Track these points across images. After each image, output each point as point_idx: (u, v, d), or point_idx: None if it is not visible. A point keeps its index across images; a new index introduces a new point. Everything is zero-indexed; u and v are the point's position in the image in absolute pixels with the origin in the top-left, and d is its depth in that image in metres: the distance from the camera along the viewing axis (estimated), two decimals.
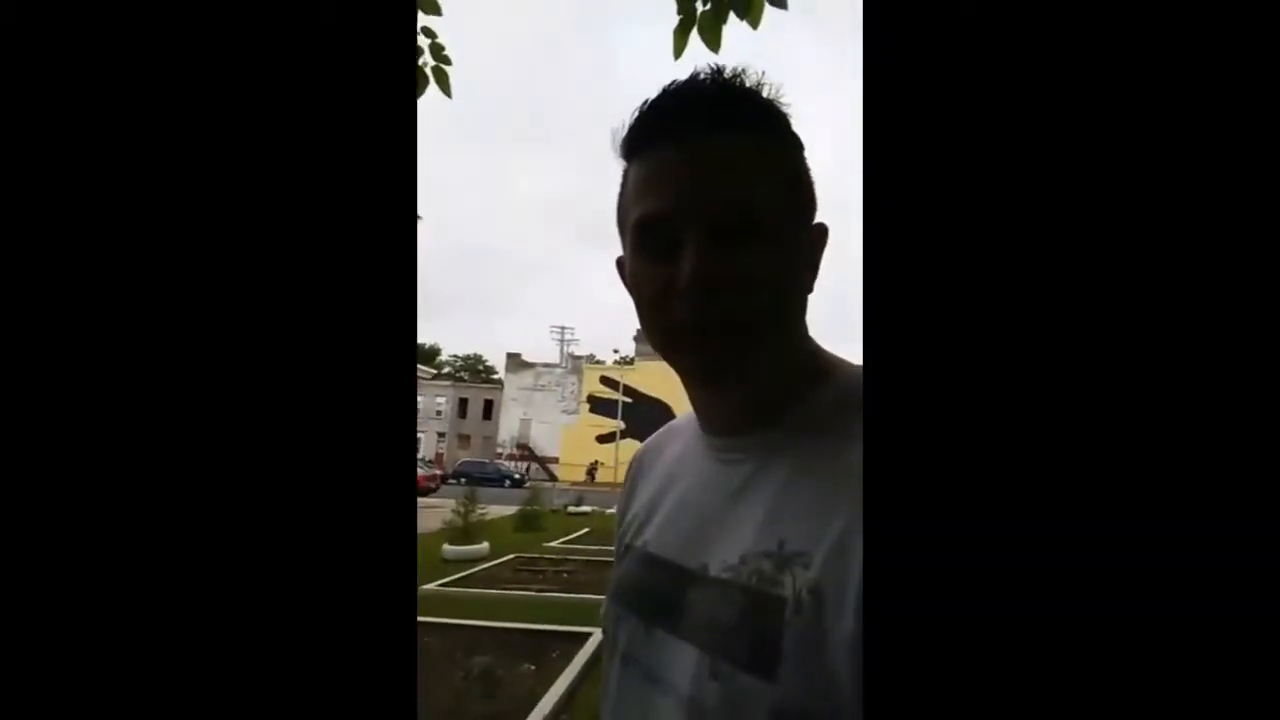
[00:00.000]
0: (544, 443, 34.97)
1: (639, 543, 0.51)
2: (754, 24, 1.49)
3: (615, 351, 40.00)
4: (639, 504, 0.55)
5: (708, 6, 1.52)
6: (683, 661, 0.42)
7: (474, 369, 54.51)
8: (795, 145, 0.44)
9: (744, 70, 0.43)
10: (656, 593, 0.46)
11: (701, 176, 0.41)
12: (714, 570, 0.42)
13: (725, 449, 0.47)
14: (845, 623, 0.35)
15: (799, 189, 0.44)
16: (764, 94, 0.43)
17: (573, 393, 35.82)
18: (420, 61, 1.87)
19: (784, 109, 0.44)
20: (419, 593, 5.51)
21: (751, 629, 0.38)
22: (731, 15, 1.51)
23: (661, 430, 0.59)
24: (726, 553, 0.42)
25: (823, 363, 0.46)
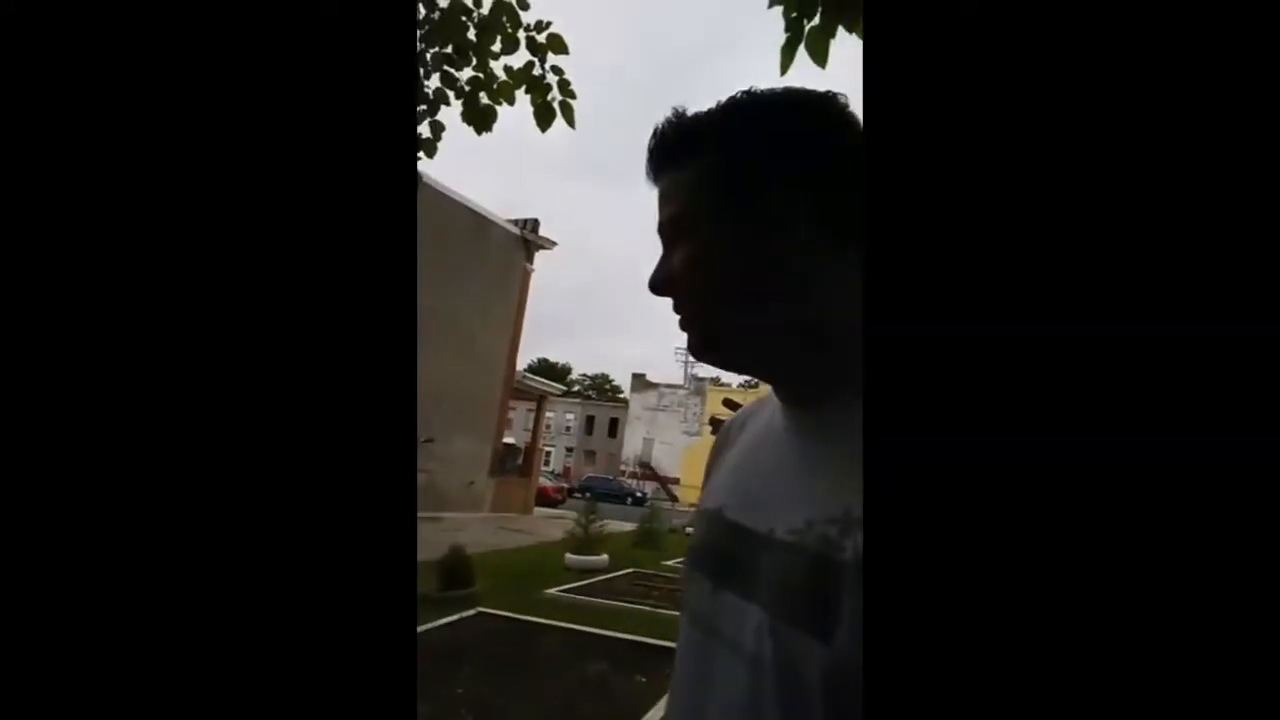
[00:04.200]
0: (665, 463, 35.15)
1: (715, 506, 0.54)
2: (862, 35, 1.46)
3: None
4: (721, 471, 0.58)
5: (815, 22, 1.51)
6: (745, 620, 0.44)
7: (601, 388, 56.25)
8: (739, 157, 0.47)
9: (683, 110, 0.50)
10: (726, 554, 0.49)
11: (660, 207, 0.51)
12: (780, 534, 0.44)
13: (800, 420, 0.49)
14: None
15: (738, 193, 0.47)
16: (712, 119, 0.48)
17: (695, 414, 35.77)
18: (549, 97, 2.03)
19: (740, 124, 0.48)
20: (542, 596, 5.75)
21: (811, 591, 0.39)
22: (840, 30, 1.49)
23: (752, 402, 0.62)
24: (794, 518, 0.43)
25: None
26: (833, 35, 1.50)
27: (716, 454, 0.62)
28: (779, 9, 1.52)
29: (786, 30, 1.53)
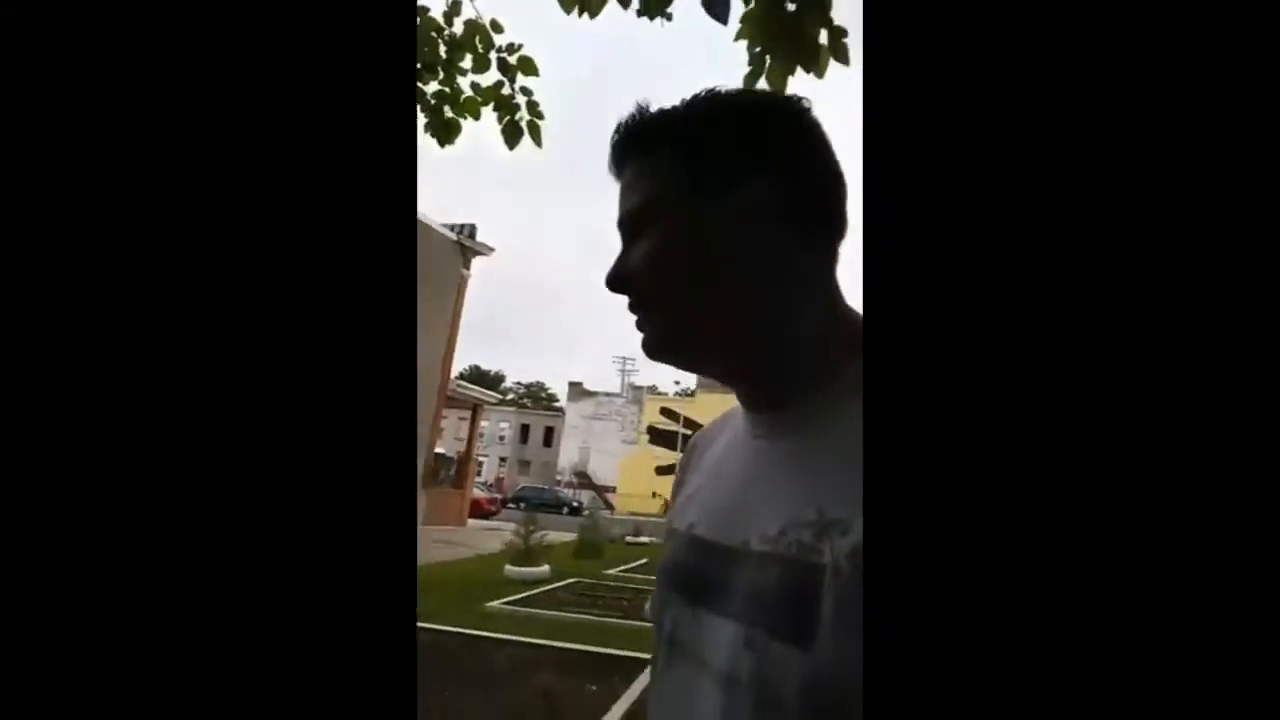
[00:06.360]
0: (603, 472, 34.94)
1: (684, 526, 0.52)
2: (820, 74, 1.51)
3: (676, 383, 40.00)
4: (688, 489, 0.56)
5: (775, 61, 1.54)
6: (721, 637, 0.42)
7: (537, 396, 55.49)
8: (704, 159, 0.48)
9: (644, 107, 0.50)
10: (700, 573, 0.47)
11: (622, 199, 0.50)
12: (754, 545, 0.43)
13: (765, 425, 0.48)
14: None
15: (703, 184, 0.47)
16: (670, 117, 0.49)
17: (633, 423, 35.77)
18: (517, 117, 2.01)
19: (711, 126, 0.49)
20: (484, 610, 5.59)
21: (788, 598, 0.38)
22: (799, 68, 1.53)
23: (718, 418, 0.60)
24: (767, 527, 0.42)
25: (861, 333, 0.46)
26: (791, 74, 1.54)
27: (681, 475, 0.60)
28: (744, 43, 1.55)
29: (749, 64, 1.56)
